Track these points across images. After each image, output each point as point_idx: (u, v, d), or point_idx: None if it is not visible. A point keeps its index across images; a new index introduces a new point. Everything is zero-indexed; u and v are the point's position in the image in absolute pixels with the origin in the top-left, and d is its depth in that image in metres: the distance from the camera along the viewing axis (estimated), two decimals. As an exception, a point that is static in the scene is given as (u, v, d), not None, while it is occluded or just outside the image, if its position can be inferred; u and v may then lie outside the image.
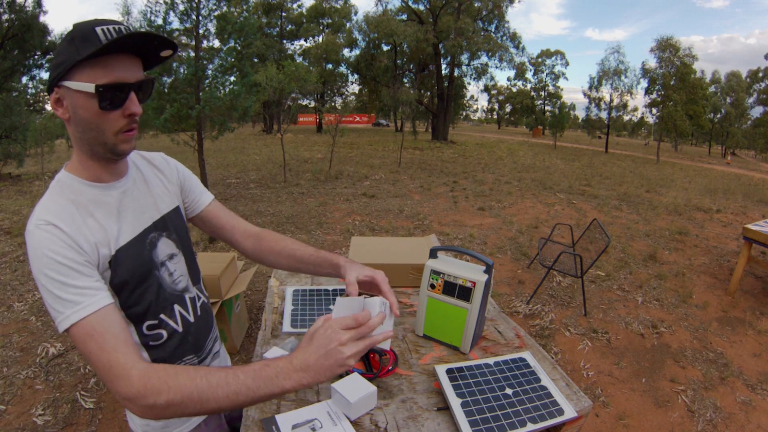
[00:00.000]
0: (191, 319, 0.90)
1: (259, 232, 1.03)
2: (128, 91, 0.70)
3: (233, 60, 6.41)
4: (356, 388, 0.91)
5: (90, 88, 0.66)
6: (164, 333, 0.84)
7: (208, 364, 0.97)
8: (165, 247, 0.85)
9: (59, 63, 0.67)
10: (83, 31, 0.66)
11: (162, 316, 0.83)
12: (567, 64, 45.21)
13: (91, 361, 0.65)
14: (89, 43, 0.65)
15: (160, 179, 0.91)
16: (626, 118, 28.15)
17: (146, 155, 0.93)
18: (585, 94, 24.34)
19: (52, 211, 0.69)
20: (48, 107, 19.43)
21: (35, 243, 0.66)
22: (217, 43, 6.72)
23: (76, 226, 0.70)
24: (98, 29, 0.65)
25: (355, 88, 33.72)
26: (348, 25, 29.05)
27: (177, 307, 0.86)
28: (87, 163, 0.76)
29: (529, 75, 45.66)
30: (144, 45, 0.70)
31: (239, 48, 6.49)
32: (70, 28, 0.68)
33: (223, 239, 1.03)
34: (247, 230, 1.02)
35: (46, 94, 19.26)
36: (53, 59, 0.69)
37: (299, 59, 28.82)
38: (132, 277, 0.77)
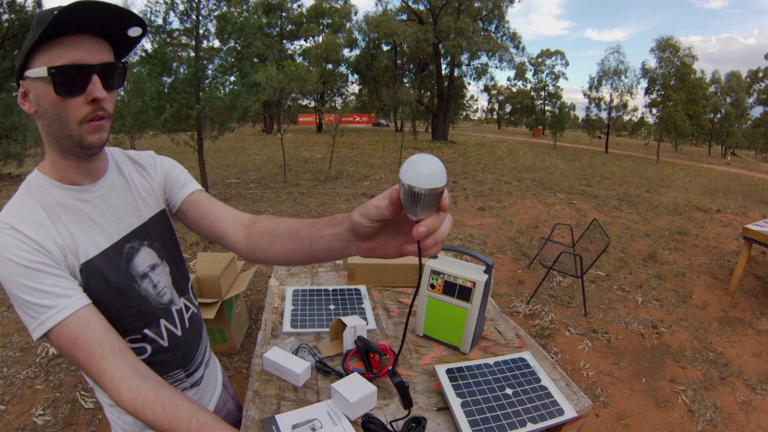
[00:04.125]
0: (179, 333, 0.84)
1: (252, 218, 0.80)
2: (89, 73, 0.62)
3: (233, 60, 6.42)
4: (356, 388, 0.91)
5: (43, 72, 0.60)
6: (148, 348, 0.78)
7: (199, 376, 0.93)
8: (146, 256, 0.79)
9: (20, 53, 0.61)
10: (42, 15, 0.58)
11: (146, 331, 0.77)
12: (567, 64, 45.22)
13: (79, 367, 0.64)
14: (44, 25, 0.57)
15: (145, 180, 0.83)
16: (626, 118, 28.11)
17: (133, 155, 0.84)
18: (585, 94, 24.33)
19: (16, 214, 0.64)
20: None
21: None
22: (217, 43, 6.73)
23: (43, 229, 0.65)
24: (57, 11, 0.56)
25: (355, 88, 33.78)
26: (348, 25, 29.03)
27: (163, 322, 0.80)
28: (59, 162, 0.69)
29: (529, 75, 45.66)
30: (105, 22, 0.61)
31: (239, 48, 6.50)
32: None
33: (209, 232, 0.81)
34: (237, 218, 0.80)
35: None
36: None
37: (299, 59, 28.81)
38: (106, 293, 0.70)
